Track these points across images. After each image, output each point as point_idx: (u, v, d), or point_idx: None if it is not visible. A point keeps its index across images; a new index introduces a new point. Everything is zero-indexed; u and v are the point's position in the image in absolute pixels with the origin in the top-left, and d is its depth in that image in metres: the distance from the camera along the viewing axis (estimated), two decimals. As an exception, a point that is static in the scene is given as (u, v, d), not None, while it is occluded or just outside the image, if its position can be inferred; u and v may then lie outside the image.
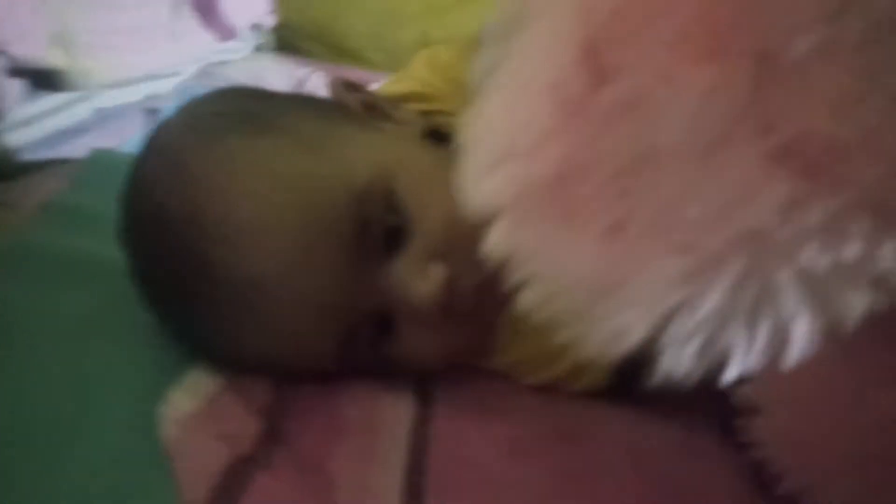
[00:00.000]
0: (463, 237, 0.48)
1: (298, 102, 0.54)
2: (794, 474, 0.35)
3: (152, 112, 1.30)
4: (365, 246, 0.45)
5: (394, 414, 0.46)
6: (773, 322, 0.20)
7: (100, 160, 0.72)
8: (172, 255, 0.44)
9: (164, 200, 0.44)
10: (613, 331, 0.21)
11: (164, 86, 1.38)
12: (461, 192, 0.23)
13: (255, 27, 1.53)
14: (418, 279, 0.46)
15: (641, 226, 0.20)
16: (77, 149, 0.89)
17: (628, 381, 0.53)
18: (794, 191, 0.19)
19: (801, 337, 0.20)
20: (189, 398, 0.42)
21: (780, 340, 0.20)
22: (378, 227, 0.46)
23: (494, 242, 0.23)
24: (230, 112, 0.51)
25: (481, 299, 0.47)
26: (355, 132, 0.51)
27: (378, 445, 0.44)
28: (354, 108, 0.54)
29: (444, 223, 0.47)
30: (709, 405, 0.51)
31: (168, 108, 1.32)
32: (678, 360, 0.21)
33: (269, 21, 1.50)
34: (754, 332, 0.20)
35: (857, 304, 0.19)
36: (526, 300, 0.23)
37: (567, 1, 0.20)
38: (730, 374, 0.20)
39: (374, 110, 0.54)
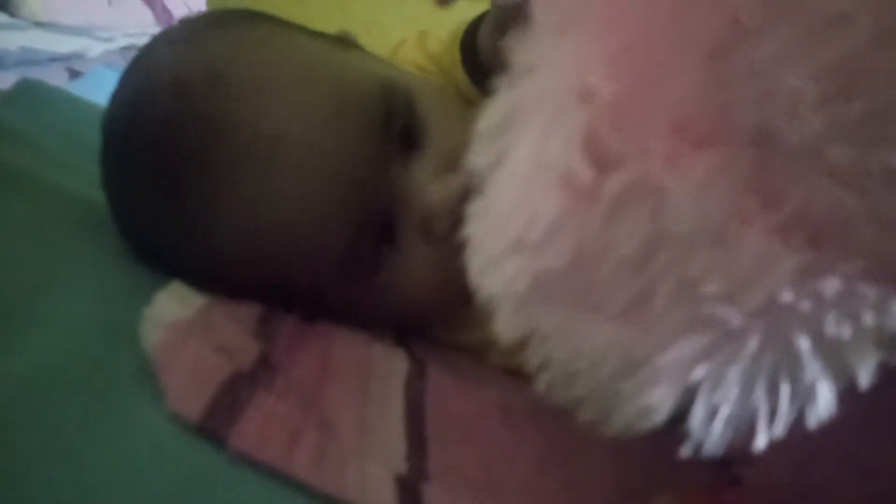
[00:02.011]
0: None
1: (314, 30, 0.56)
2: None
3: (75, 74, 1.30)
4: (386, 138, 0.47)
5: (386, 364, 0.47)
6: (793, 388, 0.22)
7: (29, 89, 0.73)
8: (184, 119, 0.43)
9: (183, 72, 0.44)
10: (639, 409, 0.23)
11: (93, 48, 1.39)
12: (472, 282, 0.24)
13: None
14: (435, 182, 0.48)
15: (660, 305, 0.22)
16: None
17: None
18: (804, 262, 0.21)
19: (823, 400, 0.22)
20: (177, 305, 0.41)
21: (801, 405, 0.22)
22: (399, 123, 0.48)
23: (508, 327, 0.24)
24: (250, 13, 0.53)
25: None
26: (371, 55, 0.56)
27: (373, 390, 0.44)
28: (363, 49, 0.58)
29: (459, 138, 0.50)
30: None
31: (92, 72, 1.33)
32: (706, 431, 0.23)
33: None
34: (776, 399, 0.22)
35: (869, 364, 0.22)
36: (543, 383, 0.25)
37: (564, 93, 0.21)
38: (759, 443, 0.22)
39: None
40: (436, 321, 0.56)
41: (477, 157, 0.23)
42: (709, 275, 0.21)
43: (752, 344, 0.21)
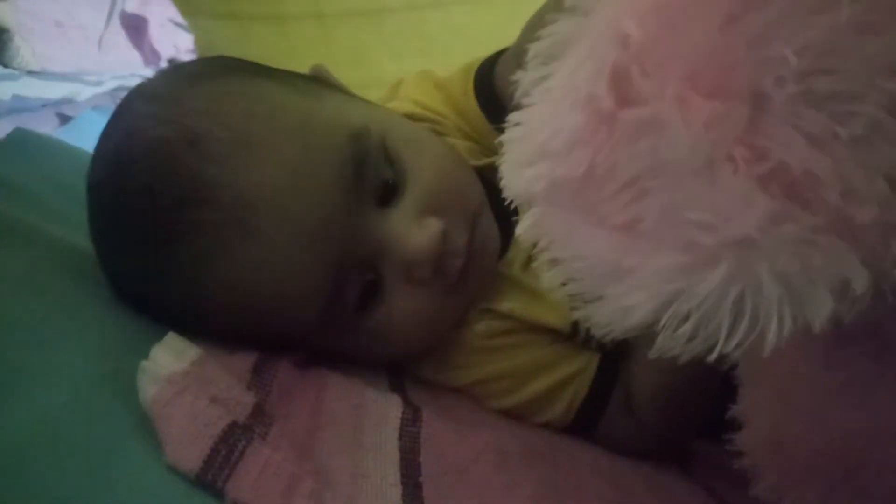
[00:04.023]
0: (455, 195, 0.57)
1: (288, 71, 0.60)
2: (769, 477, 0.42)
3: (65, 119, 1.41)
4: (360, 187, 0.51)
5: (380, 411, 0.51)
6: (754, 314, 0.28)
7: (22, 138, 0.79)
8: (167, 183, 0.48)
9: (160, 134, 0.49)
10: (621, 309, 0.29)
11: (83, 92, 1.51)
12: (502, 182, 0.31)
13: (172, 61, 1.67)
14: (414, 228, 0.52)
15: (651, 224, 0.28)
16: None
17: (590, 422, 0.61)
18: (775, 209, 0.26)
19: (777, 328, 0.28)
20: (173, 358, 0.43)
21: (759, 330, 0.28)
22: (372, 172, 0.52)
23: (526, 228, 0.31)
24: (222, 63, 0.58)
25: (469, 264, 0.54)
26: (345, 97, 0.60)
27: (367, 437, 0.48)
28: (339, 86, 0.63)
29: (437, 179, 0.55)
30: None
31: (81, 117, 1.44)
32: (673, 340, 0.29)
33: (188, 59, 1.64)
34: (738, 321, 0.28)
35: (823, 307, 0.27)
36: (549, 279, 0.31)
37: (602, 33, 0.27)
38: (712, 357, 0.28)
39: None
40: (423, 357, 0.61)
41: (526, 76, 0.30)
42: (694, 203, 0.27)
43: (723, 269, 0.27)
